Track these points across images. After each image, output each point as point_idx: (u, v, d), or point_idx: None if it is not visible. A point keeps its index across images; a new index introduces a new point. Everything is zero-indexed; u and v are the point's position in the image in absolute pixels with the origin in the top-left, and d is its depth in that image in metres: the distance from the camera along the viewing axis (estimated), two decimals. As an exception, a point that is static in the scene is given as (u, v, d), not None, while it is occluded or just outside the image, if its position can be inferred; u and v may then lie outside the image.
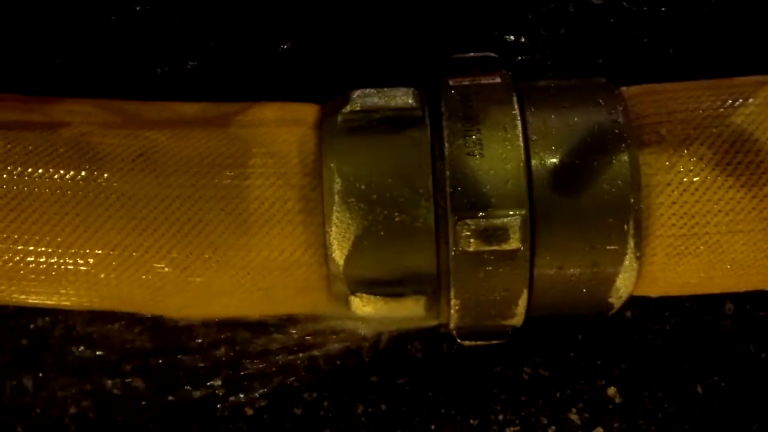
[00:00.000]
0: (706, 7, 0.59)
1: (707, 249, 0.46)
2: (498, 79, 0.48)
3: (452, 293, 0.46)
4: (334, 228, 0.45)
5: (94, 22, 0.59)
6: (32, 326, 0.58)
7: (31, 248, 0.46)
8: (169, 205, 0.45)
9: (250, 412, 0.59)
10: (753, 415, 0.59)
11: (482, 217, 0.44)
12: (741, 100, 0.47)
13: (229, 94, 0.57)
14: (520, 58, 0.59)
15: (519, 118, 0.46)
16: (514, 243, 0.44)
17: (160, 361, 0.58)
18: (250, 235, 0.46)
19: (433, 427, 0.59)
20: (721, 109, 0.47)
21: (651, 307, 0.59)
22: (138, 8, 0.59)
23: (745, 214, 0.45)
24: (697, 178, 0.45)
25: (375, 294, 0.46)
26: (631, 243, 0.45)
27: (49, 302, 0.48)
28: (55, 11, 0.59)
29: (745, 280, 0.48)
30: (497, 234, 0.44)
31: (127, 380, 0.58)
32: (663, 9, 0.59)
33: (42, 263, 0.46)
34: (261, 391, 0.58)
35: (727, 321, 0.59)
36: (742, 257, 0.46)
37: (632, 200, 0.45)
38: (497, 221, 0.44)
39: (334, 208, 0.45)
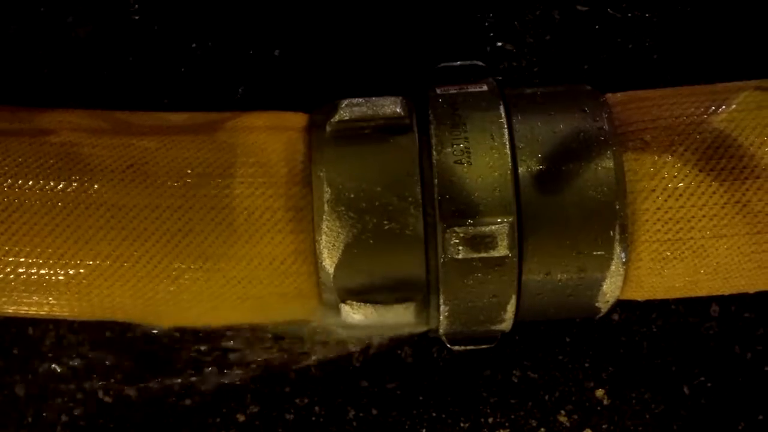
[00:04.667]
0: (689, 13, 0.60)
1: (692, 254, 0.47)
2: (485, 87, 0.49)
3: (441, 300, 0.47)
4: (324, 237, 0.45)
5: (83, 32, 0.59)
6: (23, 334, 0.58)
7: (22, 259, 0.46)
8: (160, 215, 0.46)
9: (242, 418, 0.59)
10: (739, 415, 0.60)
11: (470, 224, 0.44)
12: (723, 107, 0.48)
13: (218, 102, 0.57)
14: (506, 65, 0.60)
15: (506, 125, 0.46)
16: (502, 250, 0.44)
17: (151, 368, 0.58)
18: (240, 244, 0.46)
19: (423, 430, 0.59)
20: (704, 116, 0.47)
21: (637, 310, 0.60)
22: (128, 17, 0.59)
23: (729, 218, 0.46)
24: (682, 184, 0.46)
25: (365, 301, 0.46)
26: (617, 248, 0.46)
27: (40, 313, 0.48)
28: (43, 21, 0.59)
29: (730, 283, 0.49)
30: (485, 241, 0.44)
31: (118, 388, 0.58)
32: (647, 15, 0.60)
33: (33, 274, 0.46)
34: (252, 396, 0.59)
35: (712, 323, 0.60)
36: (726, 261, 0.47)
37: (618, 206, 0.45)
38: (485, 229, 0.44)
39: (324, 216, 0.45)
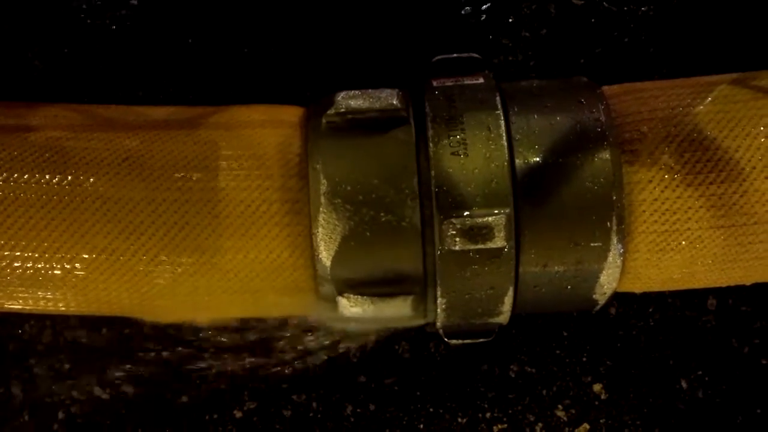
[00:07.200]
0: (684, 7, 0.60)
1: (689, 244, 0.46)
2: (481, 80, 0.48)
3: (439, 292, 0.47)
4: (320, 229, 0.45)
5: (77, 28, 0.59)
6: (19, 332, 0.58)
7: (18, 253, 0.45)
8: (156, 208, 0.46)
9: (239, 414, 0.59)
10: (736, 408, 0.60)
11: (467, 216, 0.44)
12: (719, 98, 0.48)
13: (214, 96, 0.57)
14: (502, 58, 0.60)
15: (502, 117, 0.46)
16: (499, 241, 0.44)
17: (147, 364, 0.58)
18: (236, 237, 0.46)
19: (421, 426, 0.59)
20: (701, 107, 0.47)
21: (635, 304, 0.60)
22: (123, 13, 0.59)
23: (726, 209, 0.46)
24: (678, 175, 0.46)
25: (362, 294, 0.46)
26: (615, 239, 0.46)
27: (36, 308, 0.48)
28: (36, 18, 0.59)
29: (727, 274, 0.49)
30: (482, 233, 0.44)
31: (115, 385, 0.58)
32: (643, 9, 0.60)
33: (29, 268, 0.46)
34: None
35: (709, 316, 0.60)
36: (723, 252, 0.47)
37: (615, 197, 0.45)
38: (482, 220, 0.44)
39: (321, 209, 0.45)
